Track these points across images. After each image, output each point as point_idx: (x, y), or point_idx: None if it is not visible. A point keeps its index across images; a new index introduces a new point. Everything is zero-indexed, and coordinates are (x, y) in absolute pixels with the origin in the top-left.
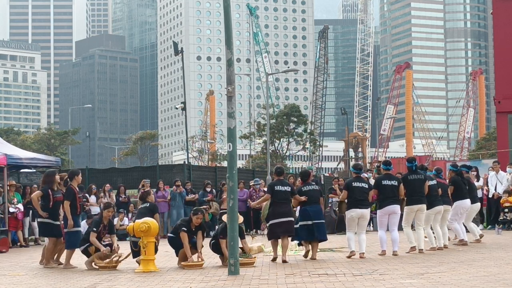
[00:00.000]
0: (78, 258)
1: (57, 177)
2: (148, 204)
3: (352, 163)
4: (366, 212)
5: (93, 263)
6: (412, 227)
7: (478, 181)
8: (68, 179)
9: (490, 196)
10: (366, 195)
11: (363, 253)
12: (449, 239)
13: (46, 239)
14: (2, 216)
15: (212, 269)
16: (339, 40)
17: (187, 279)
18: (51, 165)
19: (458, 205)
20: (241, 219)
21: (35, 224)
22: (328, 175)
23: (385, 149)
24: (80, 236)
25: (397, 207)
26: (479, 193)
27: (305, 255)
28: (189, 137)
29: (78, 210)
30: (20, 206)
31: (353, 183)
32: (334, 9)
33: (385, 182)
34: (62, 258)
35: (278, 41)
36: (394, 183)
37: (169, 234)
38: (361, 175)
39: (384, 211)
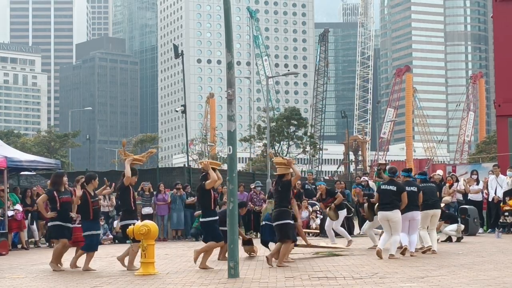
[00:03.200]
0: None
1: (65, 178)
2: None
3: (352, 166)
4: (392, 214)
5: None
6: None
7: (478, 184)
8: (85, 183)
9: (490, 199)
10: (393, 198)
11: (393, 254)
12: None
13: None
14: (2, 218)
15: (212, 271)
16: (339, 43)
17: (186, 282)
18: (51, 167)
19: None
20: None
21: (34, 227)
22: (328, 178)
23: (385, 152)
24: (98, 239)
25: (415, 213)
26: (479, 197)
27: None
28: (189, 140)
29: (90, 215)
30: (18, 206)
31: (381, 186)
32: (335, 12)
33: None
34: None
35: (278, 44)
36: (414, 189)
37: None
38: (395, 178)
39: (404, 217)
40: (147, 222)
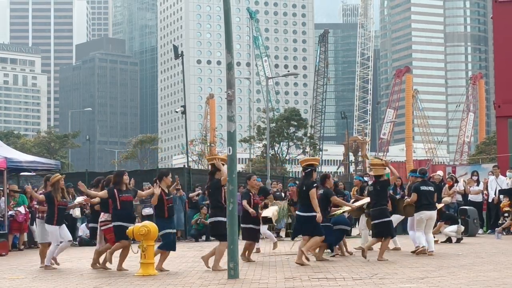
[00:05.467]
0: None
1: (126, 177)
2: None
3: (352, 167)
4: (434, 214)
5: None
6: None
7: (478, 185)
8: (158, 180)
9: (490, 200)
10: (433, 198)
11: (432, 251)
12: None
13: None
14: (2, 219)
15: (212, 272)
16: (339, 44)
17: (186, 282)
18: (51, 168)
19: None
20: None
21: (34, 228)
22: None
23: (385, 153)
24: (175, 238)
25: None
26: (479, 198)
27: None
28: (189, 140)
29: (166, 214)
30: (21, 208)
31: (421, 187)
32: (334, 13)
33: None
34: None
35: (278, 45)
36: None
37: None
38: (426, 179)
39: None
40: (147, 223)
